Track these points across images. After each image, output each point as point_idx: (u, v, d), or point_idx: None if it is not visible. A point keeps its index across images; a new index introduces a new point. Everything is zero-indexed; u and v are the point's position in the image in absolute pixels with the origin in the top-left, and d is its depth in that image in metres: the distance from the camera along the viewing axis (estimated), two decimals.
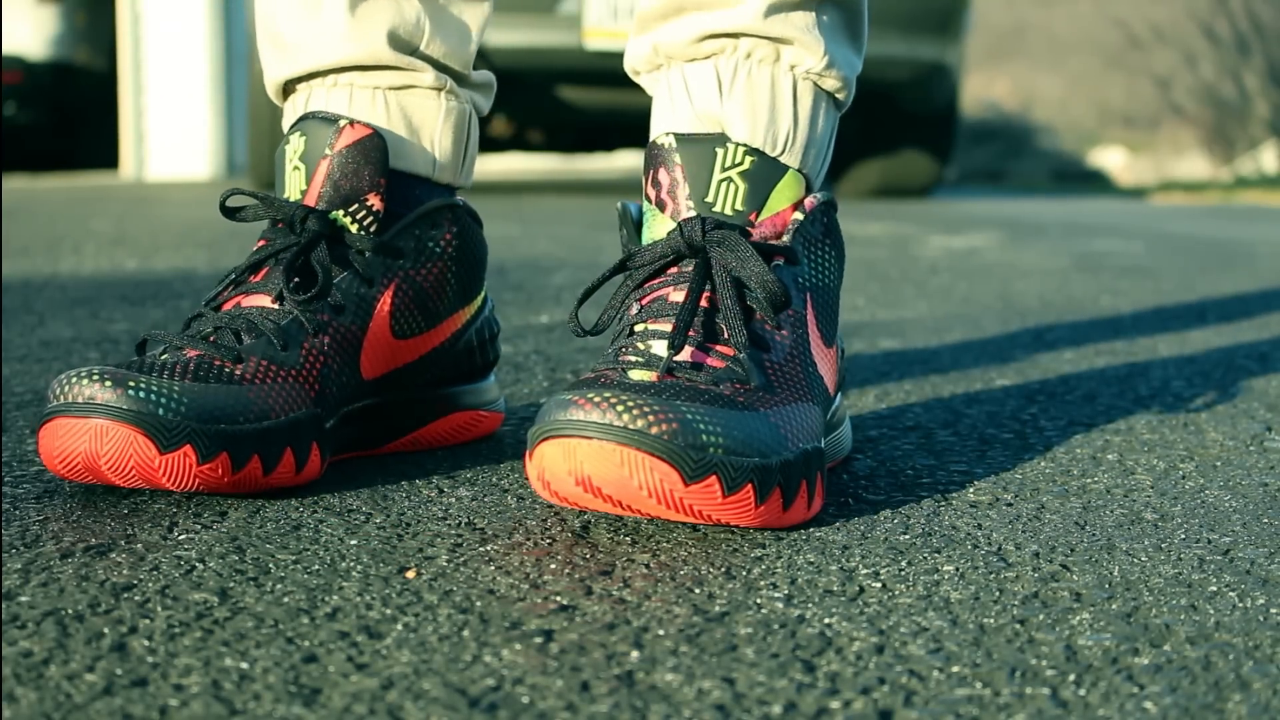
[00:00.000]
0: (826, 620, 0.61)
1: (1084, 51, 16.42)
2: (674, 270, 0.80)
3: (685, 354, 0.76)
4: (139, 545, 0.70)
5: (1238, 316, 1.69)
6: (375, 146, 0.87)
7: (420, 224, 0.90)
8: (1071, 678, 0.55)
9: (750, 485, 0.70)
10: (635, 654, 0.57)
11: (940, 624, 0.61)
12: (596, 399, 0.69)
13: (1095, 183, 10.29)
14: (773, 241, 0.81)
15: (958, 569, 0.68)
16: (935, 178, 4.87)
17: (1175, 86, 13.25)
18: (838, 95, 0.86)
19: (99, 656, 0.56)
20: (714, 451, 0.69)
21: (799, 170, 0.83)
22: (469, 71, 0.94)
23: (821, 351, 0.82)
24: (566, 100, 4.17)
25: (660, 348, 0.76)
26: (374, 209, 0.87)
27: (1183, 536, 0.75)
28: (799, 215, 0.82)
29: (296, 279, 0.84)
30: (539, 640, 0.58)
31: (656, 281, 0.80)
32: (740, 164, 0.81)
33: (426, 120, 0.91)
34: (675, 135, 0.82)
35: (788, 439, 0.73)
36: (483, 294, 0.96)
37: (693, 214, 0.80)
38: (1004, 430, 1.00)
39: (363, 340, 0.86)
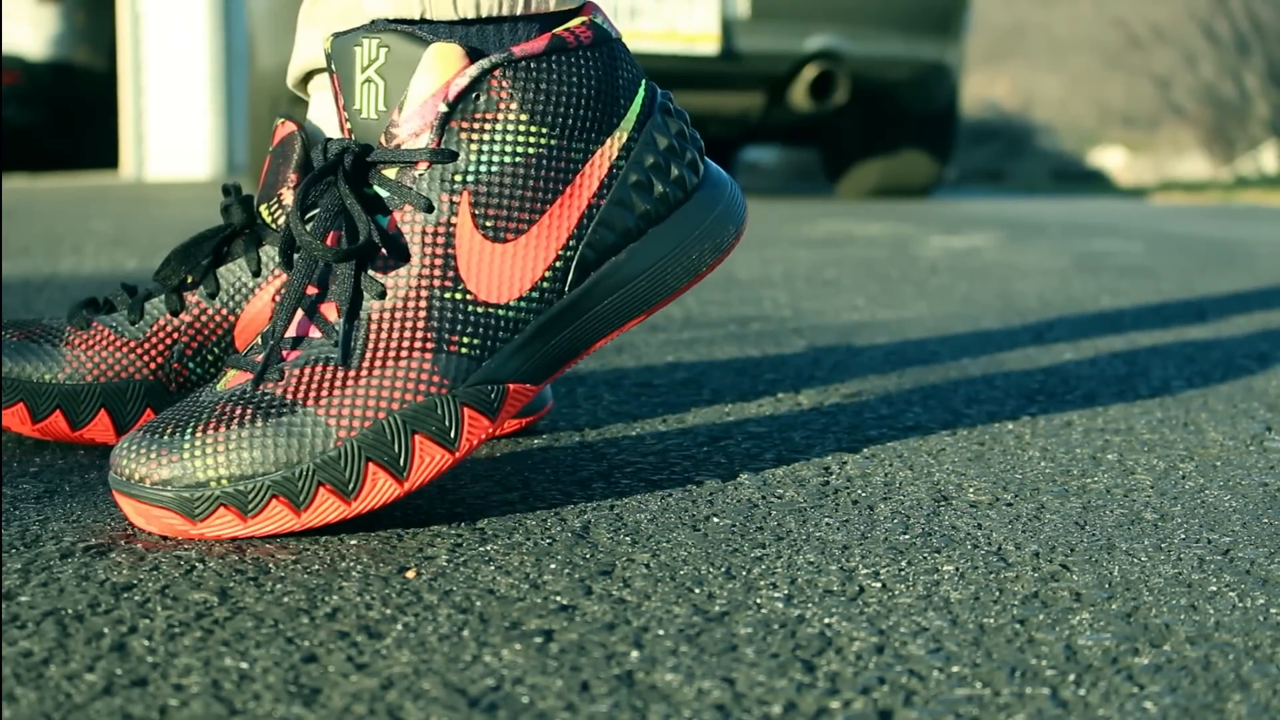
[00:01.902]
0: (826, 620, 0.61)
1: (1084, 51, 16.42)
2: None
3: (293, 327, 0.74)
4: (139, 545, 0.70)
5: (1238, 316, 1.69)
6: (291, 143, 0.91)
7: None
8: (1071, 678, 0.55)
9: (278, 499, 0.70)
10: (635, 654, 0.57)
11: (940, 624, 0.61)
12: (127, 446, 0.71)
13: (1095, 183, 10.29)
14: (410, 146, 0.72)
15: (958, 569, 0.68)
16: (935, 178, 4.87)
17: (1175, 86, 13.25)
18: None
19: (99, 656, 0.56)
20: (215, 486, 0.70)
21: (453, 33, 0.74)
22: None
23: (487, 255, 0.73)
24: None
25: (283, 319, 0.74)
26: (284, 203, 0.91)
27: (1183, 536, 0.75)
28: (444, 106, 0.72)
29: (185, 265, 0.91)
30: (539, 640, 0.58)
31: None
32: (376, 59, 0.73)
33: None
34: (332, 37, 0.75)
35: (336, 430, 0.70)
36: None
37: (341, 134, 0.75)
38: (1004, 430, 1.00)
39: (234, 324, 0.91)
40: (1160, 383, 1.21)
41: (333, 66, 0.74)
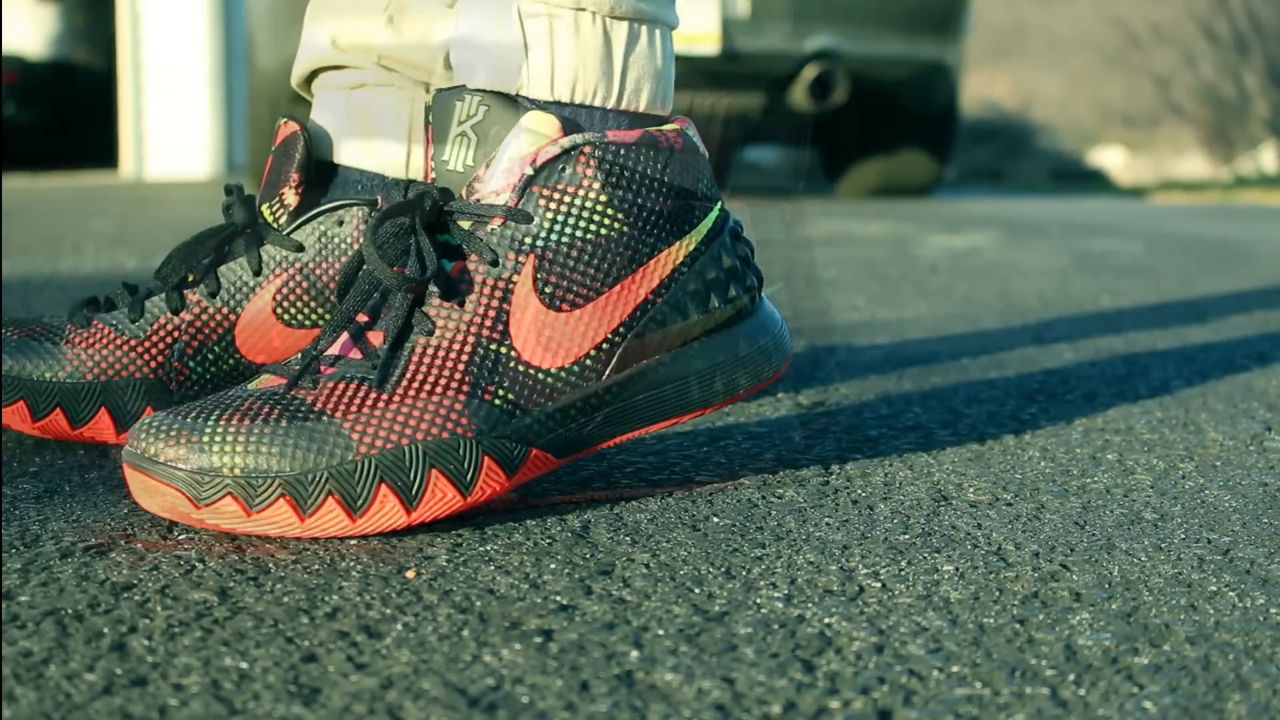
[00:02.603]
0: (826, 620, 0.61)
1: (1084, 51, 16.42)
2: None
3: (336, 347, 0.75)
4: (139, 545, 0.70)
5: (1238, 316, 1.69)
6: (293, 143, 0.91)
7: (325, 219, 0.92)
8: (1071, 678, 0.55)
9: (285, 499, 0.70)
10: (635, 654, 0.57)
11: (940, 624, 0.61)
12: (149, 423, 0.72)
13: (1095, 182, 10.29)
14: (489, 202, 0.75)
15: (957, 569, 0.68)
16: (935, 177, 4.88)
17: (1175, 86, 13.25)
18: (608, 13, 0.77)
19: (99, 656, 0.56)
20: (228, 473, 0.70)
21: (547, 109, 0.76)
22: (435, 68, 0.94)
23: (539, 319, 0.74)
24: None
25: (327, 339, 0.75)
26: (286, 202, 0.91)
27: (1183, 536, 0.75)
28: (529, 169, 0.74)
29: (186, 263, 0.92)
30: (538, 640, 0.58)
31: None
32: (474, 115, 0.76)
33: (384, 118, 0.93)
34: (435, 92, 0.78)
35: (358, 444, 0.71)
36: None
37: (425, 179, 0.78)
38: (1004, 430, 1.00)
39: (235, 323, 0.91)
40: (1160, 383, 1.21)
41: (429, 117, 0.77)
